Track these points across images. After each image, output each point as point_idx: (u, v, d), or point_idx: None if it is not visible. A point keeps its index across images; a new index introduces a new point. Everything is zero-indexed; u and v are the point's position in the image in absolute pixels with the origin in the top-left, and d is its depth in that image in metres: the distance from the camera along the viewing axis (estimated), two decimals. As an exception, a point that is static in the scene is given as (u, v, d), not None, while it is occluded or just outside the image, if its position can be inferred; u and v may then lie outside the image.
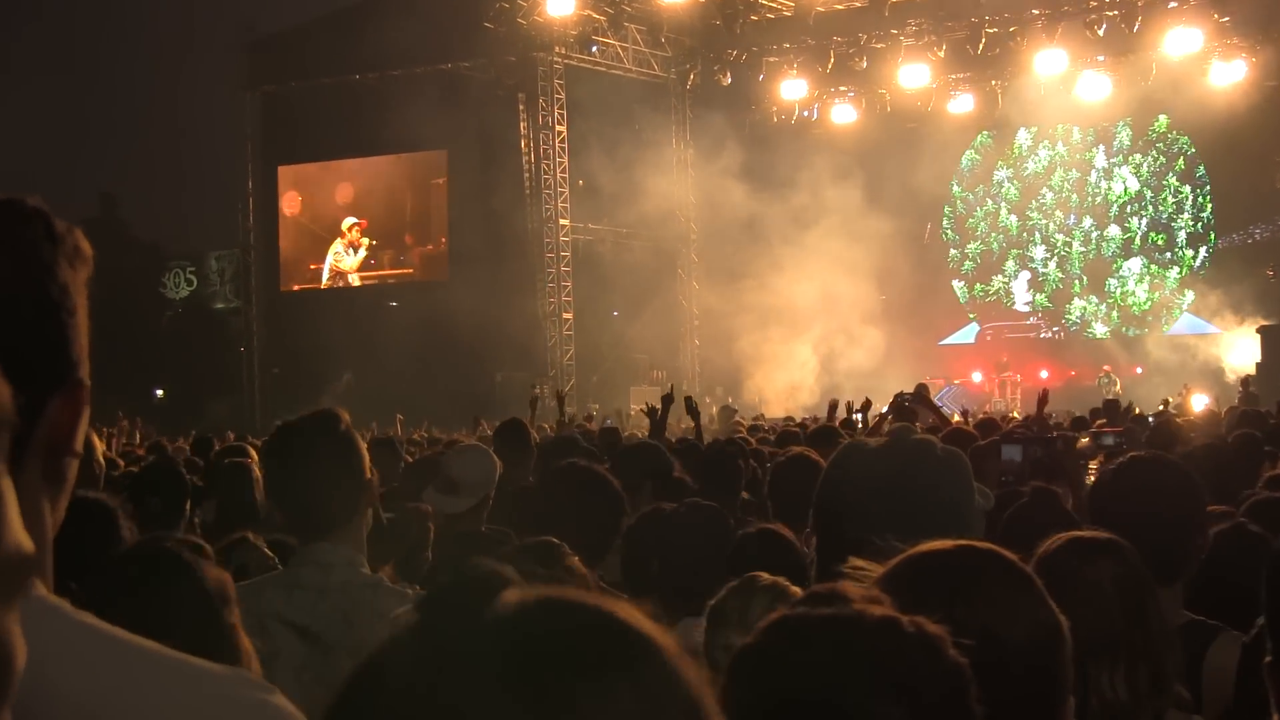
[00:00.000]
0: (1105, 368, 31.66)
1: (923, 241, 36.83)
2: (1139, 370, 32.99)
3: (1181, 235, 35.71)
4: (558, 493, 4.49)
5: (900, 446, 2.53)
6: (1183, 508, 3.21)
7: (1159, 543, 2.99)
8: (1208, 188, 35.21)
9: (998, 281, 37.19)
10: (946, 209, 37.64)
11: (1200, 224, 35.51)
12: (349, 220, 36.71)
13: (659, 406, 9.92)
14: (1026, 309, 37.03)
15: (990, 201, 37.59)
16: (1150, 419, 12.29)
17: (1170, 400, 20.29)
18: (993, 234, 37.53)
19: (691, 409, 11.00)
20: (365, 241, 36.62)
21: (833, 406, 12.90)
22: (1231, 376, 27.86)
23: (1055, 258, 36.75)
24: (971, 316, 37.36)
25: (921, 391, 11.87)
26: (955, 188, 37.55)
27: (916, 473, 2.47)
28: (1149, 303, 35.68)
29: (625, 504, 4.38)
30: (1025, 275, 36.66)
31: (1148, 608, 2.56)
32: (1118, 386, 30.43)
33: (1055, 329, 36.59)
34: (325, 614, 3.36)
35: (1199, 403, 18.97)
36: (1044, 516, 3.55)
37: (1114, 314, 36.02)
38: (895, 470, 2.47)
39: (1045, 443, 6.19)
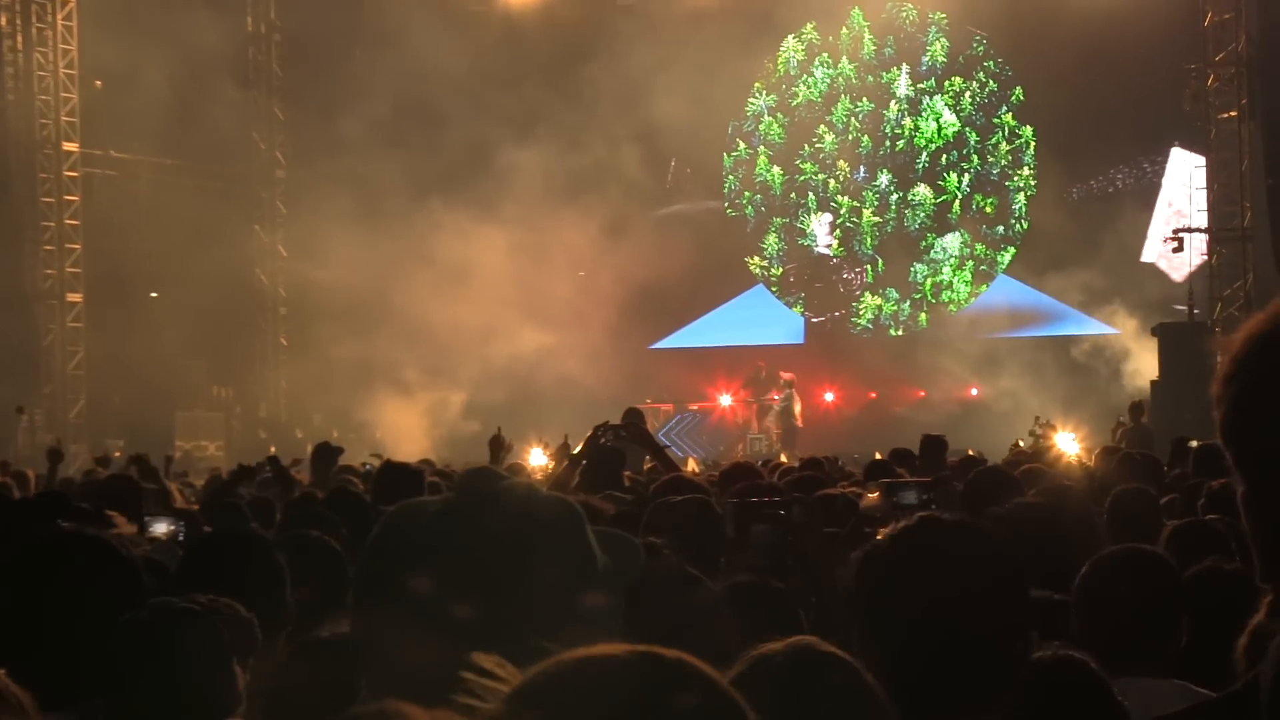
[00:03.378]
0: (785, 375, 32.96)
1: (663, 186, 37.23)
2: (974, 393, 33.61)
3: (1020, 200, 36.27)
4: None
5: (467, 504, 2.67)
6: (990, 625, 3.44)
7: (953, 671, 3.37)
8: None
9: (755, 265, 37.98)
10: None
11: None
12: None
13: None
14: (828, 250, 37.77)
15: (742, 144, 37.85)
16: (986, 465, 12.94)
17: (1034, 436, 21.01)
18: (746, 193, 37.86)
19: (278, 468, 11.87)
20: None
21: (497, 446, 13.95)
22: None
23: (837, 231, 37.28)
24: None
25: (634, 421, 12.28)
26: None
27: (490, 544, 2.60)
28: (972, 299, 36.48)
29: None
30: (826, 218, 37.60)
31: None
32: (797, 409, 32.27)
33: (858, 272, 37.19)
34: None
35: (1068, 447, 19.28)
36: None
37: (922, 315, 36.81)
38: (457, 542, 2.61)
39: (779, 512, 6.50)
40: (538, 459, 15.99)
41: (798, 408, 32.11)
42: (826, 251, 37.82)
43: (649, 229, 34.87)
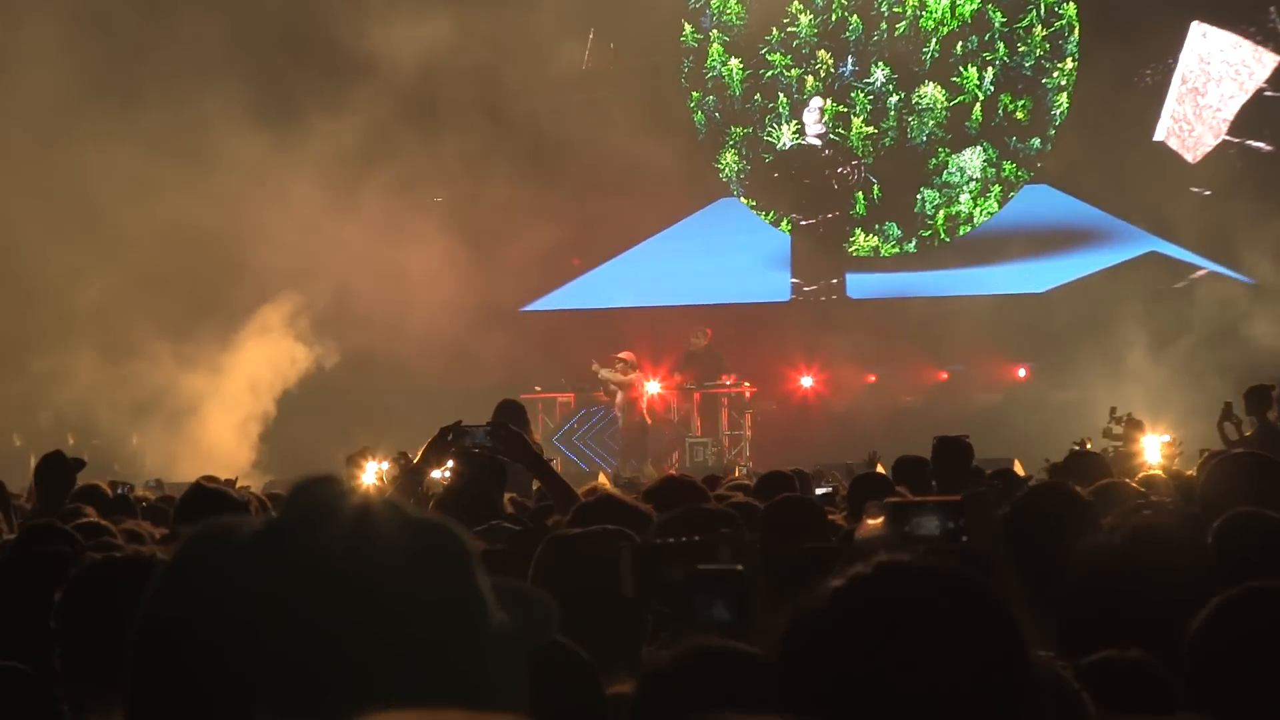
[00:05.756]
0: (706, 330, 31.28)
1: (577, 69, 34.30)
2: (1022, 373, 31.72)
3: (1061, 102, 33.72)
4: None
5: (295, 528, 2.32)
6: None
7: None
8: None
9: (725, 169, 35.57)
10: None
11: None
12: None
13: None
14: (818, 140, 34.73)
15: (688, 27, 35.05)
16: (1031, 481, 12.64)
17: (1110, 437, 19.94)
18: (694, 94, 34.98)
19: None
20: None
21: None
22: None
23: (827, 118, 35.06)
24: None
25: (506, 421, 11.01)
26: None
27: (327, 588, 2.29)
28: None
29: None
30: (817, 102, 34.74)
31: None
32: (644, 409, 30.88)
33: (855, 165, 35.28)
34: None
35: (1156, 452, 17.73)
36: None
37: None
38: (275, 591, 2.31)
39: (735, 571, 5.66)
40: (372, 477, 14.30)
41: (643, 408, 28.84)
42: (816, 143, 34.50)
43: (546, 129, 31.63)
